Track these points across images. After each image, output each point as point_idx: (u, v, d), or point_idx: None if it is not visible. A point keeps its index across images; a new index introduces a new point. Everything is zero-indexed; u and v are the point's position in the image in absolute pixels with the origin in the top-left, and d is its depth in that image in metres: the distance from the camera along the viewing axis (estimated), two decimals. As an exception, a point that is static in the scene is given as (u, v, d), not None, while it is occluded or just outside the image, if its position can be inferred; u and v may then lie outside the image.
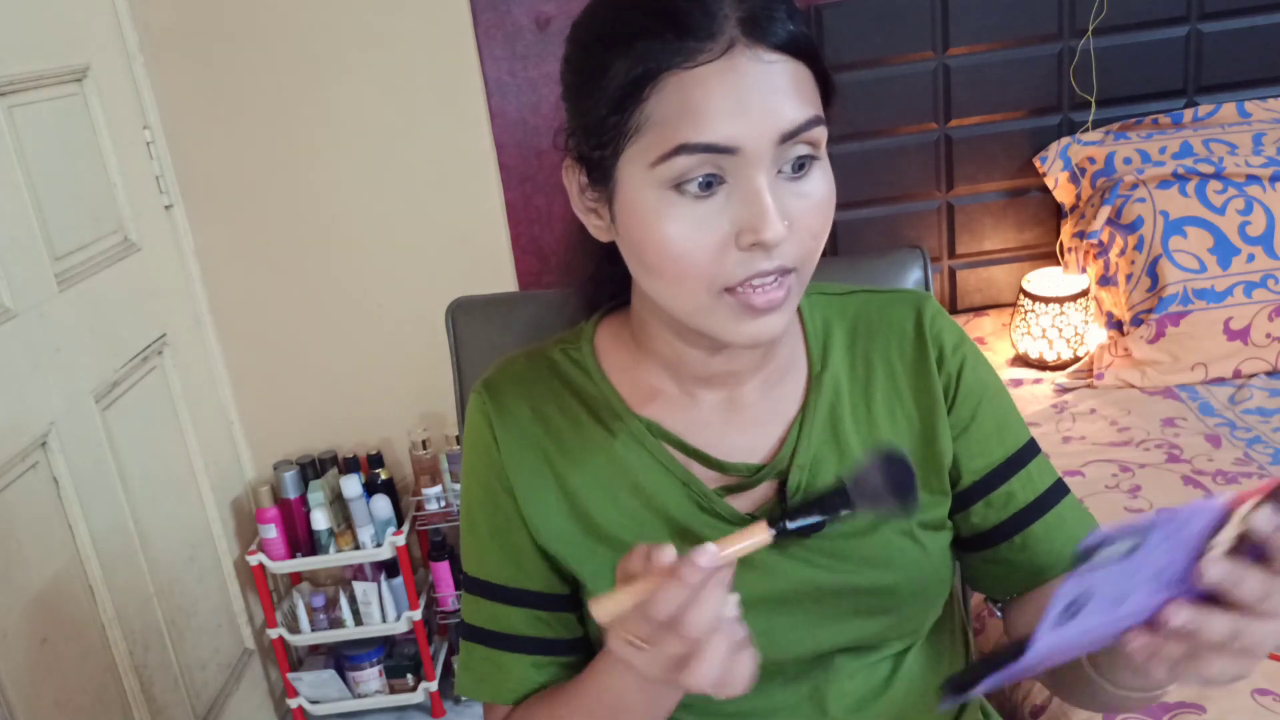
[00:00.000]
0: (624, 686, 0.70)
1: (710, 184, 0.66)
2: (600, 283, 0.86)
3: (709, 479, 0.79)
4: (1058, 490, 0.82)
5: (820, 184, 0.69)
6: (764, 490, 0.79)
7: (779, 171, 0.67)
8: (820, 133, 0.68)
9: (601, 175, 0.71)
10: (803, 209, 0.67)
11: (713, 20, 0.64)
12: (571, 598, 0.81)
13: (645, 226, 0.68)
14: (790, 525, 0.63)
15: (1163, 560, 0.55)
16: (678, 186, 0.66)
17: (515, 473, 0.80)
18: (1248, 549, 0.56)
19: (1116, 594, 0.55)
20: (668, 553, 0.59)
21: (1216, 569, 0.55)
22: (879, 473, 0.63)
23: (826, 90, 0.70)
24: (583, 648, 0.83)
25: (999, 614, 0.86)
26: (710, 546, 0.59)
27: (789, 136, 0.65)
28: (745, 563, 0.77)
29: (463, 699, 2.21)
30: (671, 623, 0.58)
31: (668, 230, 0.67)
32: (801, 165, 0.67)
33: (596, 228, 0.75)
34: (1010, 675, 0.57)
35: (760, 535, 0.61)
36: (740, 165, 0.65)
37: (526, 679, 0.81)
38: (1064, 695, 0.81)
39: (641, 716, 0.71)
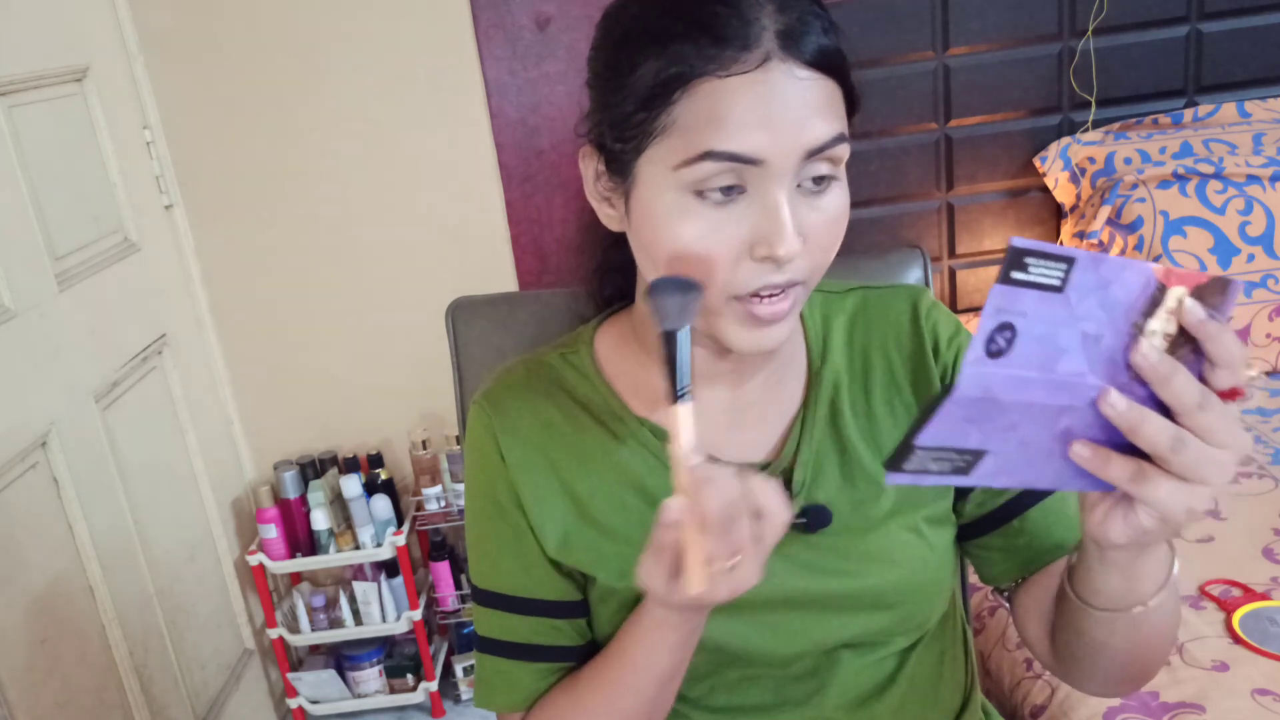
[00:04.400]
0: (663, 648, 0.71)
1: (730, 191, 0.66)
2: (607, 273, 0.86)
3: None
4: None
5: (837, 199, 0.69)
6: None
7: (799, 185, 0.67)
8: (843, 150, 0.68)
9: (620, 168, 0.71)
10: (818, 223, 0.68)
11: (749, 30, 0.64)
12: (583, 603, 0.81)
13: (661, 227, 0.68)
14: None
15: (1093, 324, 0.54)
16: (698, 191, 0.66)
17: (522, 483, 0.79)
18: (1188, 355, 0.56)
19: (1047, 346, 0.53)
20: (675, 501, 0.61)
21: (1144, 355, 0.54)
22: None
23: (851, 105, 0.71)
24: (595, 652, 0.83)
25: (1007, 604, 0.86)
26: (684, 454, 0.61)
27: (814, 153, 0.66)
28: None
29: (463, 699, 2.21)
30: (728, 521, 0.60)
31: (684, 233, 0.67)
32: (822, 180, 0.68)
33: (609, 217, 0.75)
34: (946, 423, 0.54)
35: (678, 414, 0.62)
36: (762, 177, 0.65)
37: (540, 687, 0.81)
38: (1058, 660, 0.80)
39: (671, 674, 0.73)
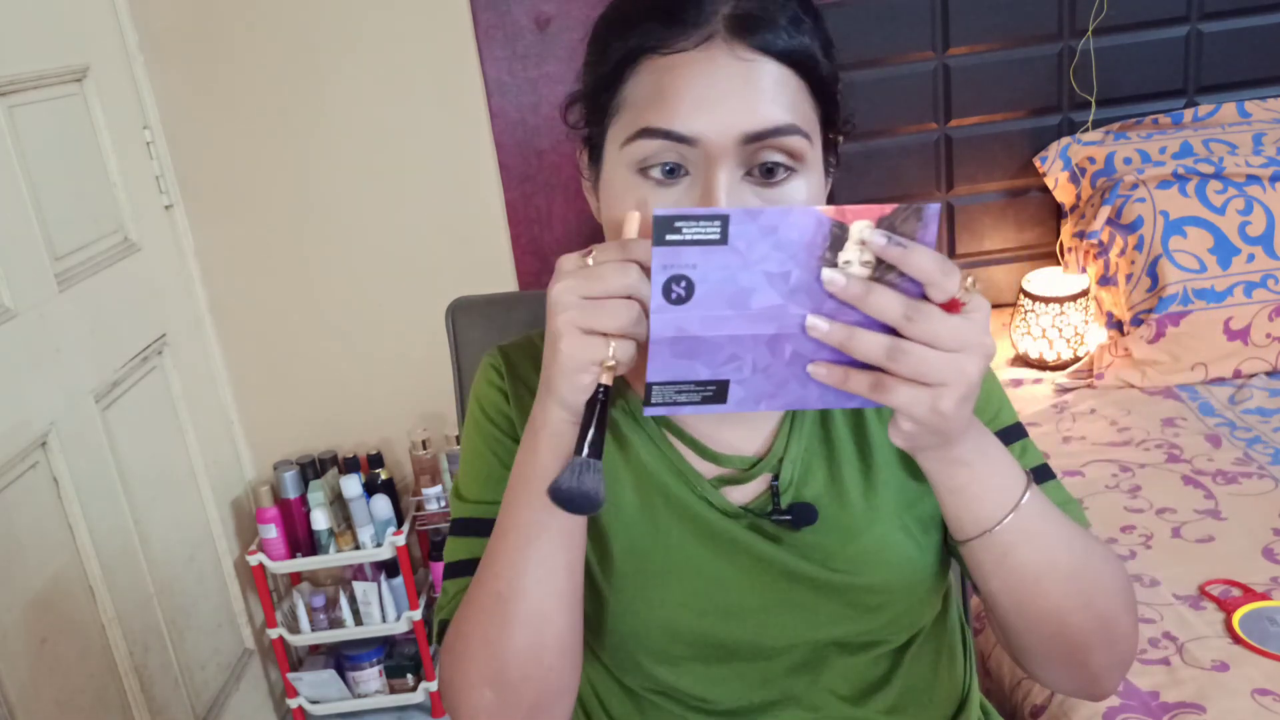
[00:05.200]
0: (527, 504, 0.69)
1: (674, 172, 0.67)
2: None
3: (705, 470, 0.79)
4: (1040, 474, 0.81)
5: (797, 195, 0.68)
6: (758, 484, 0.80)
7: (748, 173, 0.67)
8: (797, 142, 0.67)
9: (595, 154, 0.73)
10: None
11: (700, 13, 0.66)
12: None
13: (610, 206, 0.70)
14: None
15: (774, 265, 0.58)
16: (643, 170, 0.67)
17: (522, 427, 0.79)
18: (899, 278, 0.59)
19: (731, 287, 0.59)
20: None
21: (831, 281, 0.58)
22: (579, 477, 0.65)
23: (829, 107, 0.70)
24: None
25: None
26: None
27: (756, 138, 0.65)
28: (737, 548, 0.77)
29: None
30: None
31: (624, 210, 0.68)
32: (778, 171, 0.67)
33: (595, 209, 0.77)
34: (661, 361, 0.61)
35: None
36: (701, 158, 0.66)
37: None
38: (1008, 651, 0.79)
39: (552, 548, 0.70)
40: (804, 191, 0.68)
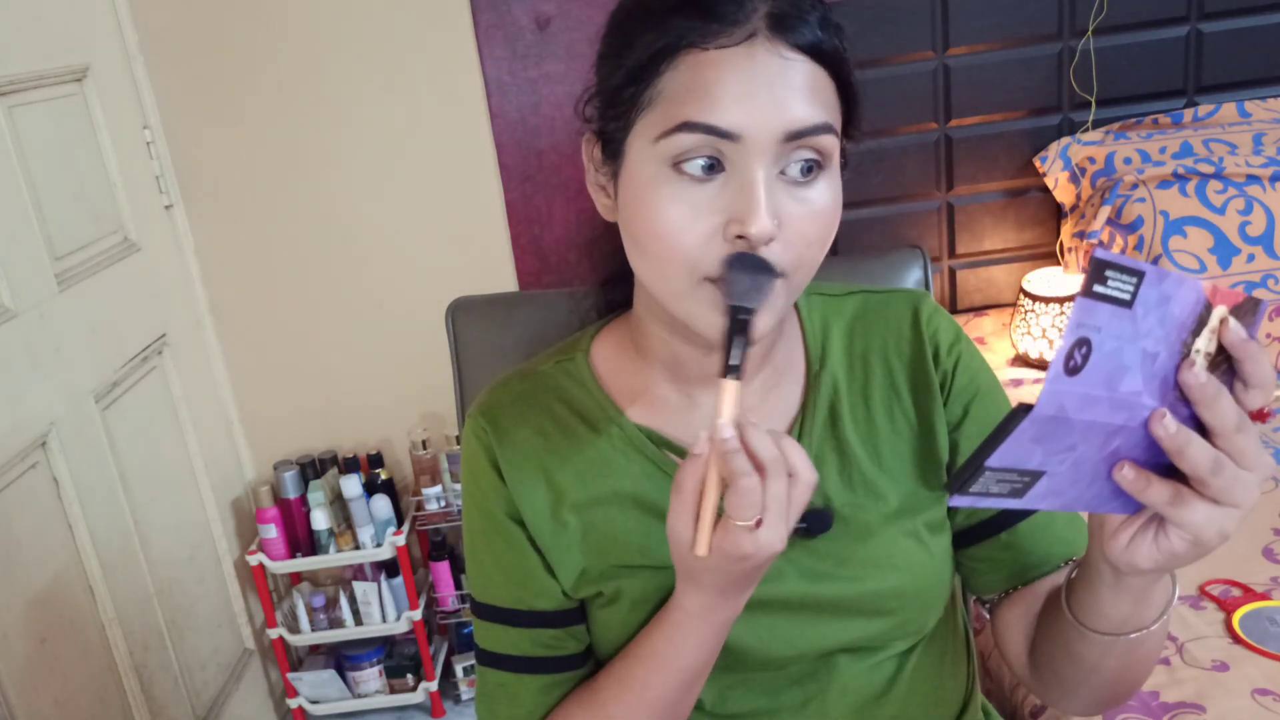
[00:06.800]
0: (692, 641, 0.71)
1: (711, 168, 0.66)
2: (615, 284, 0.85)
3: None
4: None
5: (824, 194, 0.68)
6: None
7: (782, 172, 0.67)
8: (829, 141, 0.67)
9: (613, 149, 0.71)
10: (800, 214, 0.67)
11: (740, 9, 0.65)
12: (581, 609, 0.81)
13: (640, 200, 0.68)
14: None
15: (1152, 342, 0.53)
16: (677, 165, 0.66)
17: (523, 500, 0.79)
18: (1224, 373, 0.56)
19: (1114, 363, 0.52)
20: (700, 448, 0.63)
21: (1195, 375, 0.55)
22: None
23: (850, 108, 0.71)
24: (594, 658, 0.83)
25: (987, 614, 0.86)
26: (720, 424, 0.62)
27: (795, 136, 0.65)
28: None
29: (463, 699, 2.21)
30: (750, 485, 0.61)
31: (661, 208, 0.67)
32: (809, 170, 0.67)
33: (605, 206, 0.75)
34: (1018, 442, 0.53)
35: (730, 389, 0.63)
36: (741, 154, 0.65)
37: (543, 700, 0.80)
38: (1039, 679, 0.80)
39: (698, 672, 0.73)
40: (829, 192, 0.68)
